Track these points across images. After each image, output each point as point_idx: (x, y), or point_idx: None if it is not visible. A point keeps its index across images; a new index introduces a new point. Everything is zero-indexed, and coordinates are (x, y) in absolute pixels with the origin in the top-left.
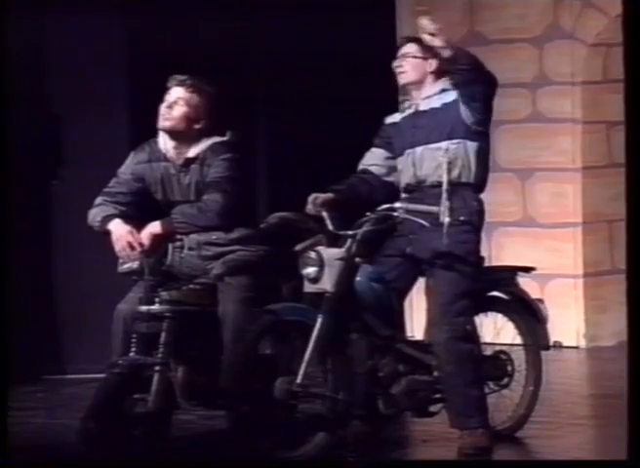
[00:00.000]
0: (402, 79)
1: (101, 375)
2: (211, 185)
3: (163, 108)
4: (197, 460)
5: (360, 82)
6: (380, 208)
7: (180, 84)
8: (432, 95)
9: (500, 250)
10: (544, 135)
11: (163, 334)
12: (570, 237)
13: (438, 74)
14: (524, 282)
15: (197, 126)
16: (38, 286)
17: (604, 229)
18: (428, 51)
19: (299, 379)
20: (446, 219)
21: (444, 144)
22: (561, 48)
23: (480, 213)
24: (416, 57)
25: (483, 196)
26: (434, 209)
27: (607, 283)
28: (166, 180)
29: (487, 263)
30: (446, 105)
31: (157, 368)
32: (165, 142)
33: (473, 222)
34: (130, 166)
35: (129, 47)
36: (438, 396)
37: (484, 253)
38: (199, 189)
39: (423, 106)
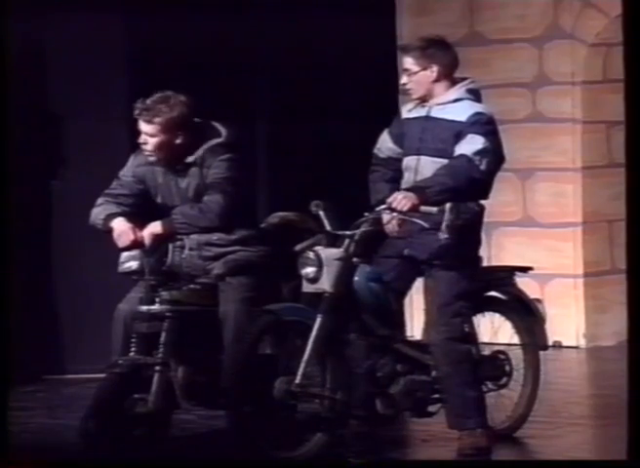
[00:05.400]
0: (412, 96)
1: (101, 375)
2: (211, 186)
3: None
4: (197, 460)
5: (360, 82)
6: (378, 208)
7: (139, 115)
8: (445, 102)
9: (499, 250)
10: (544, 135)
11: (163, 334)
12: (570, 237)
13: (447, 80)
14: (524, 282)
15: (177, 141)
16: (38, 286)
17: (604, 229)
18: (425, 59)
19: (297, 379)
20: (444, 223)
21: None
22: (561, 48)
23: (479, 213)
24: (414, 72)
25: None
26: (433, 209)
27: (607, 283)
28: (164, 185)
29: (486, 263)
30: (455, 123)
31: (157, 368)
32: None
33: (472, 223)
34: (131, 168)
35: (129, 47)
36: (437, 396)
37: (484, 252)
38: (198, 192)
39: (435, 113)
